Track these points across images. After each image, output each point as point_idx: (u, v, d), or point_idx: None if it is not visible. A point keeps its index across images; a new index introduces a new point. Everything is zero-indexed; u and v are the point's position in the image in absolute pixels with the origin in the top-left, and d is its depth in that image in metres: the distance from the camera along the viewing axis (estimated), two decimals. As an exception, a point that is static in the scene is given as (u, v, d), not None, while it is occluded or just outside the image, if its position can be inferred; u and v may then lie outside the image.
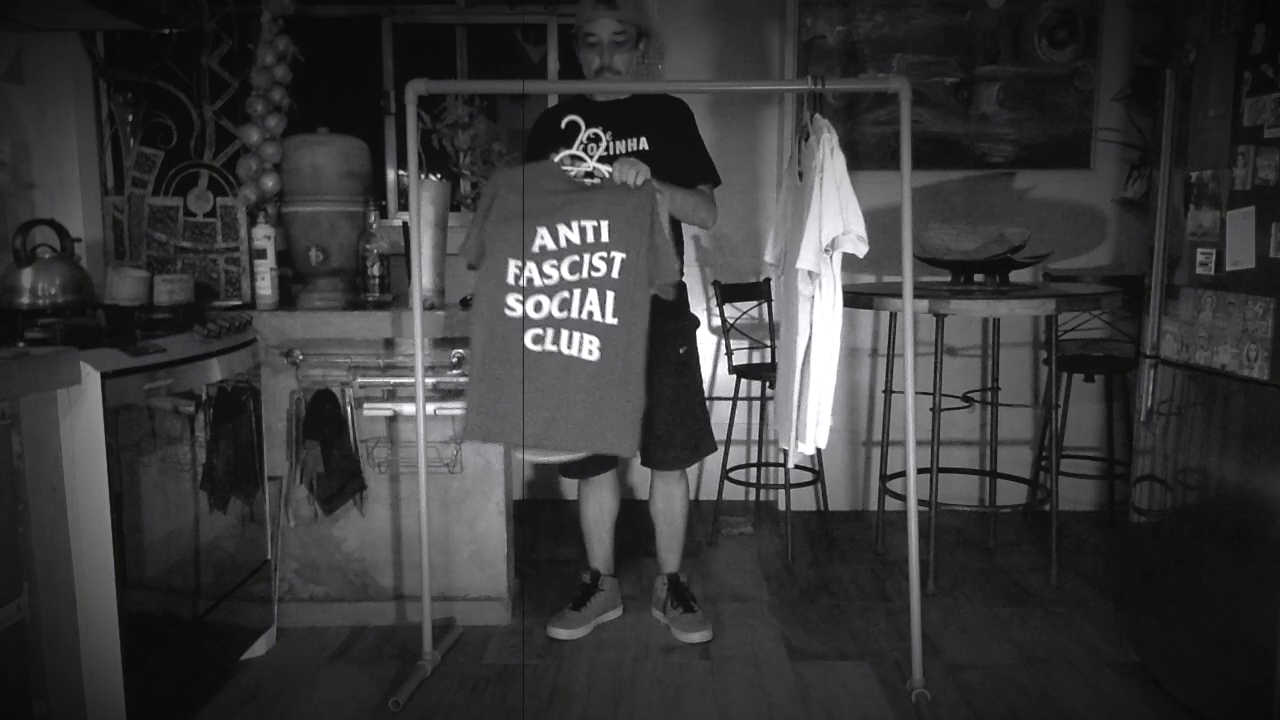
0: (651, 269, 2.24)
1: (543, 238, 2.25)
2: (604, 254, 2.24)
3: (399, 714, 2.20)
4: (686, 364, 2.59)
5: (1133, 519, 2.50)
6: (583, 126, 2.31)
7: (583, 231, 2.25)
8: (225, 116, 3.07)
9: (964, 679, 2.38)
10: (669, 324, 2.50)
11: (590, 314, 2.23)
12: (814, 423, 2.21)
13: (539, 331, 2.25)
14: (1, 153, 2.74)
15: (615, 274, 2.23)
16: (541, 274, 2.25)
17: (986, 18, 3.64)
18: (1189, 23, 2.20)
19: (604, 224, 2.24)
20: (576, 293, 2.24)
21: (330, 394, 2.60)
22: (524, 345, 2.24)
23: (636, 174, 2.25)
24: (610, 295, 2.23)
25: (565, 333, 2.24)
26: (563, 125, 2.34)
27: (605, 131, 2.52)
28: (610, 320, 2.23)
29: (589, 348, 2.23)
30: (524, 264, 2.25)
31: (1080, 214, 3.74)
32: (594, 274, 2.24)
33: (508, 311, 2.25)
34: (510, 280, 2.25)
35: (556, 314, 2.24)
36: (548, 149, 2.40)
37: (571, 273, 2.25)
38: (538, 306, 2.25)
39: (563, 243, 2.25)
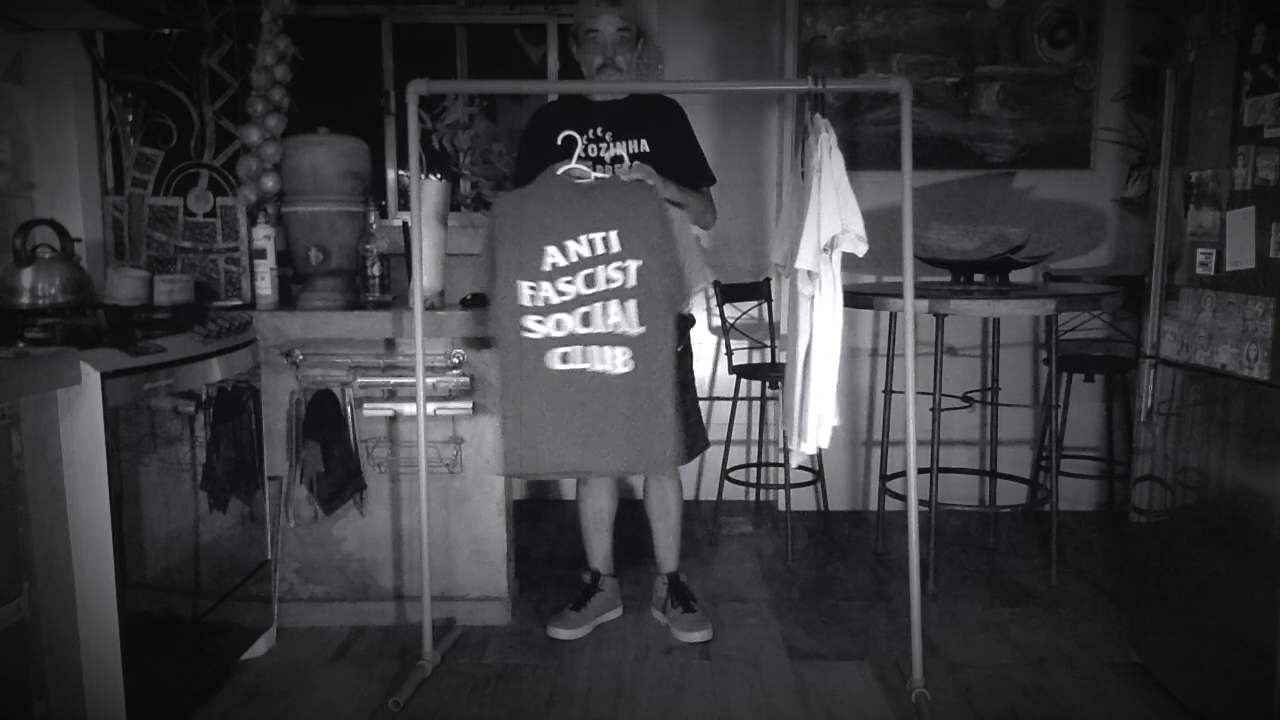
0: (669, 276, 2.23)
1: (552, 255, 2.24)
2: (619, 264, 2.23)
3: (399, 714, 2.20)
4: (680, 362, 2.59)
5: (1133, 519, 2.50)
6: (579, 141, 2.30)
7: (592, 244, 2.23)
8: (225, 116, 3.07)
9: (964, 679, 2.38)
10: None
11: (615, 325, 2.23)
12: (815, 423, 2.21)
13: (566, 350, 2.24)
14: (1, 153, 2.74)
15: (633, 282, 2.22)
16: (558, 292, 2.24)
17: (986, 18, 3.64)
18: (1189, 23, 2.20)
19: (613, 234, 2.23)
20: (598, 306, 2.23)
21: (330, 394, 2.60)
22: (549, 367, 2.23)
23: (643, 176, 2.26)
24: (633, 304, 2.22)
25: (594, 348, 2.23)
26: (559, 141, 2.32)
27: (606, 131, 2.53)
28: (638, 329, 2.22)
29: (617, 360, 2.22)
30: (537, 285, 2.23)
31: (1080, 214, 3.74)
32: (611, 285, 2.23)
33: (526, 334, 2.24)
34: (525, 302, 2.24)
35: (580, 330, 2.23)
36: (542, 152, 2.40)
37: (588, 286, 2.24)
38: (559, 325, 2.24)
39: (573, 257, 2.24)
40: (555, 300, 2.24)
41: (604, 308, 2.23)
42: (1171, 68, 2.27)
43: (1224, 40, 2.05)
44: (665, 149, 2.53)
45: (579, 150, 2.30)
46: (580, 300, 2.24)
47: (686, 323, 2.64)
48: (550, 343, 2.24)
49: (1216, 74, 2.07)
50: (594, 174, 2.29)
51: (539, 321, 2.24)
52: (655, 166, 2.40)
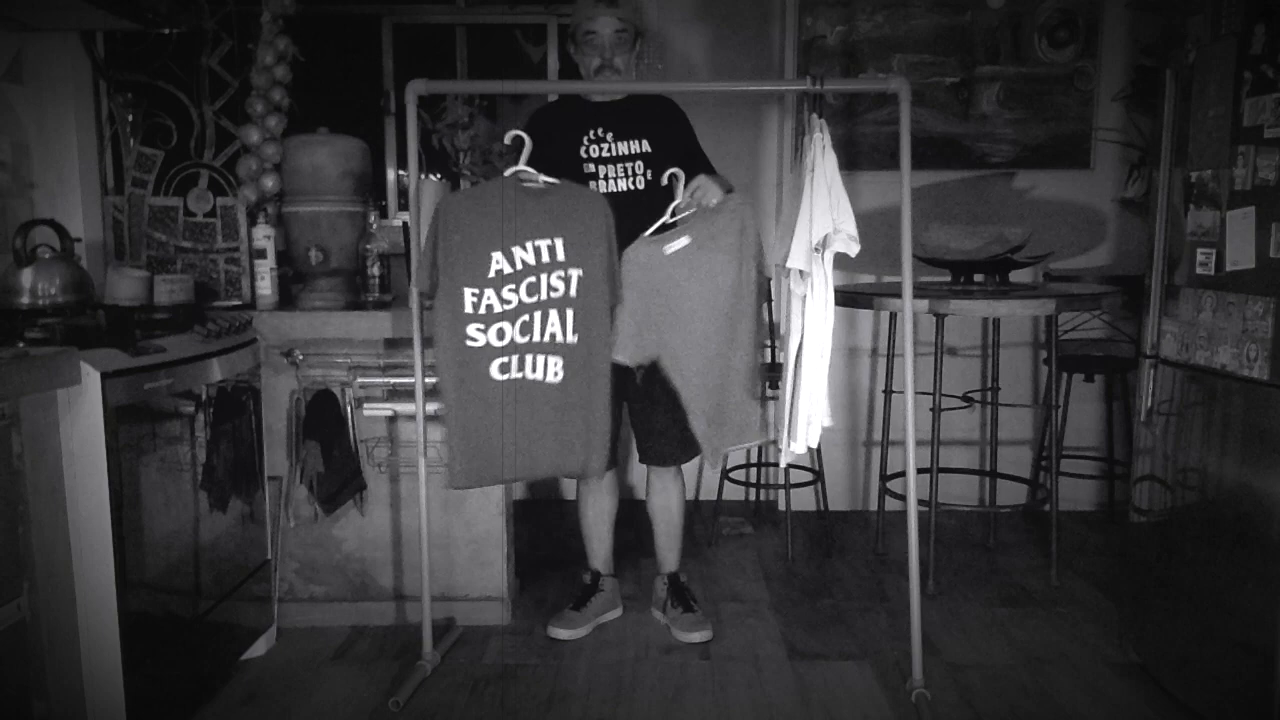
0: (607, 286, 2.23)
1: (498, 262, 2.20)
2: (561, 273, 2.21)
3: (399, 714, 2.20)
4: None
5: (1133, 519, 2.50)
6: (527, 142, 2.25)
7: (537, 251, 2.21)
8: (225, 116, 3.07)
9: (964, 679, 2.38)
10: None
11: (553, 335, 2.21)
12: (805, 421, 2.22)
13: (504, 360, 2.21)
14: (1, 153, 2.74)
15: (573, 292, 2.21)
16: (501, 300, 2.20)
17: (986, 18, 3.64)
18: (1189, 23, 2.20)
19: (558, 241, 2.21)
20: (537, 315, 2.22)
21: (330, 394, 2.60)
22: (490, 377, 2.20)
23: (720, 198, 2.30)
24: (570, 313, 2.21)
25: (529, 357, 2.22)
26: (507, 140, 2.27)
27: (606, 132, 2.53)
28: (571, 339, 2.21)
29: (553, 369, 2.22)
30: (481, 292, 2.20)
31: (1080, 214, 3.74)
32: (552, 294, 2.21)
33: (469, 343, 2.20)
34: (468, 310, 2.20)
35: (519, 339, 2.22)
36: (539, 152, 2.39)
37: (530, 294, 2.21)
38: (500, 334, 2.21)
39: (518, 265, 2.21)
40: (498, 309, 2.20)
41: (543, 316, 2.21)
42: (1171, 68, 2.27)
43: (1224, 40, 2.05)
44: (667, 148, 2.53)
45: (527, 152, 2.24)
46: (521, 309, 2.21)
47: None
48: (491, 352, 2.20)
49: (1216, 74, 2.07)
50: (543, 178, 2.25)
51: (480, 330, 2.20)
52: (657, 166, 2.40)
